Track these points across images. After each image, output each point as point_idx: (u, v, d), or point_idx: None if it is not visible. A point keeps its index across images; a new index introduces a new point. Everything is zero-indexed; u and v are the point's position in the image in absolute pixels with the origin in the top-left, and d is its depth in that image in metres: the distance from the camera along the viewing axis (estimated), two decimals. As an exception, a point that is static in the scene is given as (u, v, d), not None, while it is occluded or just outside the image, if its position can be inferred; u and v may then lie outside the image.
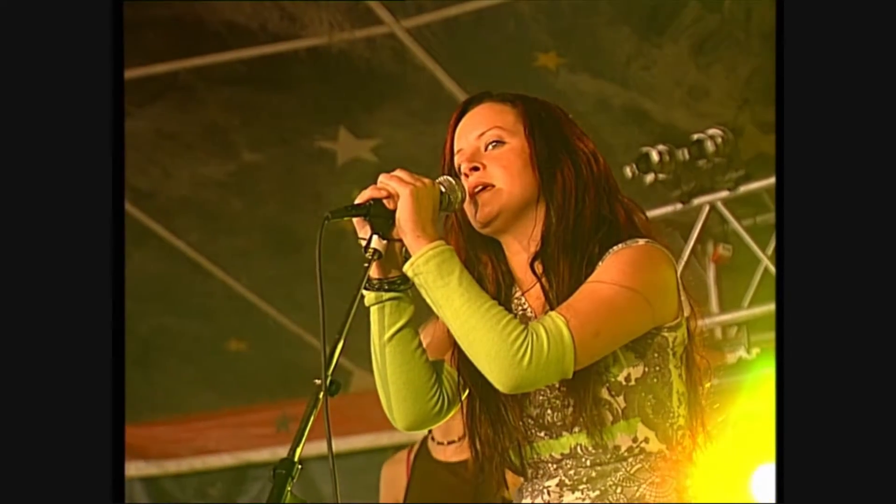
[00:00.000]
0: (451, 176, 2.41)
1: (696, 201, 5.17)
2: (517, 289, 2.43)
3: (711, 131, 5.10)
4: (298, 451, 2.00)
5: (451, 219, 2.44)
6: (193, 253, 6.58)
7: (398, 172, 2.30)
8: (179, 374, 7.33)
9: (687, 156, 5.10)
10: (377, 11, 5.25)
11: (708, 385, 2.39)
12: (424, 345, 2.40)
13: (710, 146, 5.09)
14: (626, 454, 2.30)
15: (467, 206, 2.41)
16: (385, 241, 2.27)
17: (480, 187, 2.37)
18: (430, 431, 4.09)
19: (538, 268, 2.35)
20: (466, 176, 2.39)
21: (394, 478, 4.24)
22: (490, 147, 2.39)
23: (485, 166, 2.37)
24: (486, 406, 2.35)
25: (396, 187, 2.27)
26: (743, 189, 5.15)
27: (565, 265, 2.29)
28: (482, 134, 2.39)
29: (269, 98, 5.71)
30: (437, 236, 2.25)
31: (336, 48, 5.35)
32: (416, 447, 4.19)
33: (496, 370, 2.15)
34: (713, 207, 5.17)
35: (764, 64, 5.14)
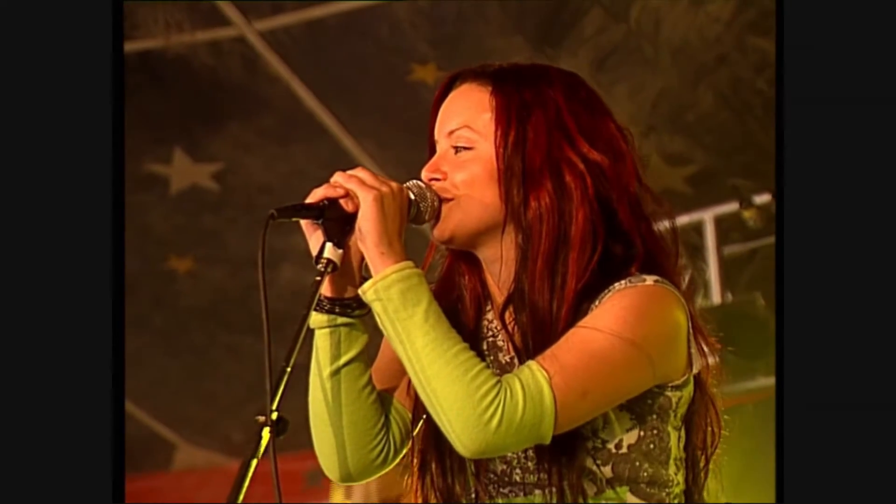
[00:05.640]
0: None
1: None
2: (491, 308, 2.25)
3: (613, 163, 4.92)
4: (239, 501, 1.92)
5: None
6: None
7: (358, 172, 2.10)
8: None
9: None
10: (224, 10, 5.05)
11: (714, 453, 2.21)
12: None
13: (611, 181, 4.90)
14: None
15: None
16: (341, 251, 2.11)
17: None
18: None
19: (508, 318, 2.17)
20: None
21: None
22: (458, 151, 2.18)
23: (446, 175, 2.18)
24: (442, 449, 2.20)
25: (357, 190, 2.09)
26: (648, 231, 5.01)
27: (537, 320, 2.11)
28: (452, 132, 2.18)
29: (89, 111, 5.33)
30: (404, 255, 2.08)
31: (173, 53, 5.19)
32: None
33: (459, 430, 2.02)
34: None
35: (672, 84, 5.13)
